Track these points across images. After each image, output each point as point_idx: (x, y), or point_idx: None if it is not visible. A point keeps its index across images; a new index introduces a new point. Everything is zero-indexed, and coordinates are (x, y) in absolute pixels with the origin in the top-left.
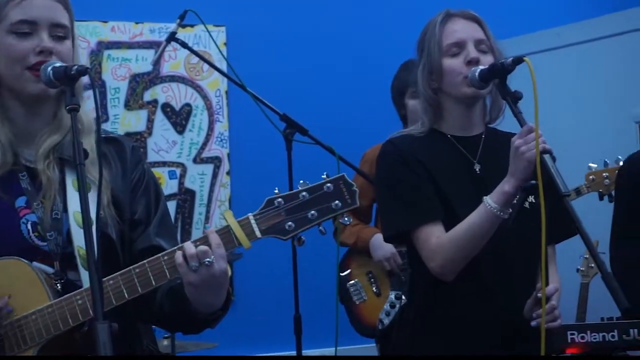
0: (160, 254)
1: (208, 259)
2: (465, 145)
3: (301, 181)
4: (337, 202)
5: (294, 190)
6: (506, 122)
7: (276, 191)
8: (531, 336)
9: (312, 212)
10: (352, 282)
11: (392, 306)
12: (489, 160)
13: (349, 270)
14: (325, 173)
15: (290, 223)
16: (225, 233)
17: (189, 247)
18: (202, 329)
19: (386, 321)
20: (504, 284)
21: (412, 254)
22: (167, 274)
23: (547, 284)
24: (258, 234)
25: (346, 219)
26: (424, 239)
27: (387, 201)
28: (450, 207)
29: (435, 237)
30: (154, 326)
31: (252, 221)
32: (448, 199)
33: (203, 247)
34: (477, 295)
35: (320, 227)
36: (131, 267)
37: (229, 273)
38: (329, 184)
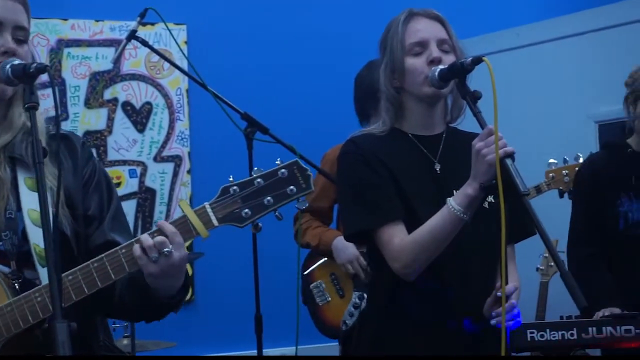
0: (117, 247)
1: (167, 249)
2: (426, 144)
3: (255, 168)
4: (292, 187)
5: (249, 178)
6: (467, 122)
7: (231, 179)
8: (489, 335)
9: (268, 198)
10: (315, 283)
11: (356, 307)
12: (449, 160)
13: (310, 270)
14: (278, 159)
15: (246, 210)
16: (183, 223)
17: (146, 238)
18: (166, 314)
19: (350, 322)
20: (462, 283)
21: (373, 254)
22: (126, 267)
23: (506, 279)
24: (215, 222)
25: (297, 205)
26: (386, 240)
27: (348, 200)
28: (410, 206)
29: (398, 238)
30: (116, 319)
31: (209, 210)
32: (409, 198)
33: (160, 238)
34: (436, 294)
35: (277, 213)
36: (89, 261)
37: (188, 270)
38: (283, 170)
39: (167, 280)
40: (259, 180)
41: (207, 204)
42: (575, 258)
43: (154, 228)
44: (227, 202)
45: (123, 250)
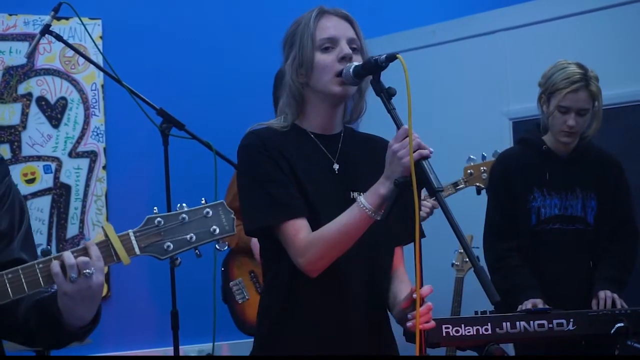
0: (34, 262)
1: (88, 270)
2: (325, 144)
3: (179, 204)
4: (214, 227)
5: (174, 212)
6: (381, 118)
7: (155, 210)
8: (384, 332)
9: (191, 234)
10: (235, 281)
11: None
12: (348, 160)
13: (230, 268)
14: (203, 199)
15: (169, 244)
16: (105, 247)
17: (69, 257)
18: (69, 343)
19: None
20: (360, 278)
21: (271, 248)
22: (42, 281)
23: (421, 284)
24: (137, 251)
25: (218, 247)
26: (292, 235)
27: (251, 194)
28: (310, 204)
29: (302, 234)
30: (14, 341)
31: (132, 238)
32: (308, 196)
33: (84, 258)
34: (334, 289)
35: (196, 251)
36: (3, 272)
37: (105, 289)
38: (208, 209)
39: (80, 305)
40: (183, 215)
41: (131, 232)
42: (493, 252)
43: (80, 246)
44: (151, 232)
45: (40, 265)
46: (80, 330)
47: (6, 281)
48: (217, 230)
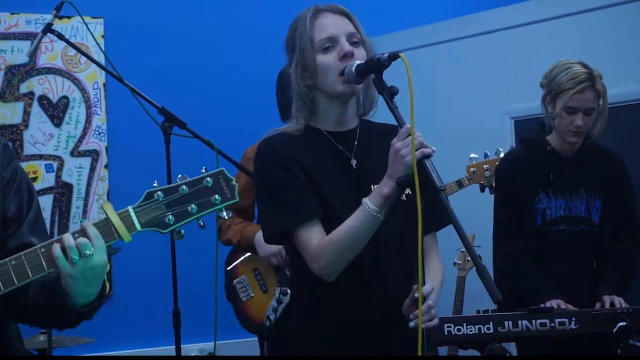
0: (37, 246)
1: (88, 251)
2: (341, 140)
3: (180, 175)
4: (216, 196)
5: (174, 184)
6: (384, 116)
7: (155, 184)
8: (411, 332)
9: (192, 205)
10: (239, 279)
11: (279, 302)
12: (365, 154)
13: (234, 265)
14: (203, 167)
15: (170, 216)
16: (105, 226)
17: (68, 238)
18: (79, 322)
19: (273, 317)
20: (382, 280)
21: (293, 254)
22: (45, 266)
23: (424, 280)
24: (138, 226)
25: (224, 213)
26: (305, 240)
27: (265, 202)
28: (328, 205)
29: (315, 239)
30: (28, 324)
31: (132, 214)
32: (326, 197)
33: (83, 239)
34: (357, 292)
35: (200, 221)
36: (7, 259)
37: (108, 267)
38: (208, 178)
39: (84, 285)
40: (183, 187)
41: (130, 208)
42: (503, 253)
43: (78, 227)
44: (151, 207)
45: (42, 250)
46: (87, 307)
47: (10, 268)
48: (219, 199)
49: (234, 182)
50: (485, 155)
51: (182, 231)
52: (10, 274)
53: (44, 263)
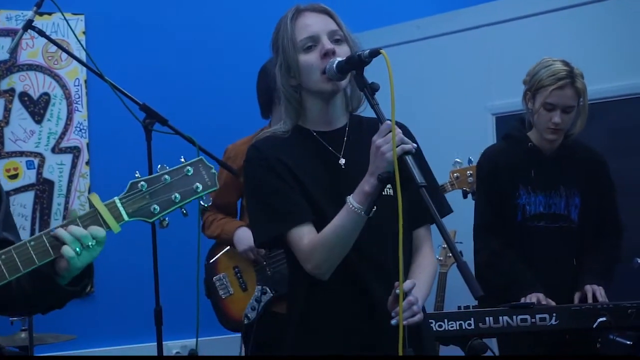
0: (26, 240)
1: (91, 242)
2: (329, 140)
3: (159, 165)
4: (197, 184)
5: (156, 174)
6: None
7: (137, 175)
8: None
9: (175, 194)
10: (219, 276)
11: (258, 301)
12: (354, 153)
13: (214, 262)
14: (182, 157)
15: (155, 206)
16: (93, 217)
17: (78, 229)
18: (68, 301)
19: (251, 316)
20: (376, 274)
21: (289, 256)
22: (35, 259)
23: (405, 276)
24: (125, 216)
25: (202, 202)
26: (296, 242)
27: (255, 207)
28: (317, 206)
29: (306, 239)
30: (12, 311)
31: (119, 204)
32: (314, 198)
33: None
34: (349, 289)
35: (183, 210)
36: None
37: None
38: (188, 167)
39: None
40: (165, 176)
41: (117, 199)
42: (486, 248)
43: (61, 222)
44: (137, 197)
45: (32, 243)
46: (76, 287)
47: (0, 263)
48: (200, 187)
49: (213, 170)
50: (469, 161)
51: (167, 220)
52: (1, 269)
53: (34, 256)
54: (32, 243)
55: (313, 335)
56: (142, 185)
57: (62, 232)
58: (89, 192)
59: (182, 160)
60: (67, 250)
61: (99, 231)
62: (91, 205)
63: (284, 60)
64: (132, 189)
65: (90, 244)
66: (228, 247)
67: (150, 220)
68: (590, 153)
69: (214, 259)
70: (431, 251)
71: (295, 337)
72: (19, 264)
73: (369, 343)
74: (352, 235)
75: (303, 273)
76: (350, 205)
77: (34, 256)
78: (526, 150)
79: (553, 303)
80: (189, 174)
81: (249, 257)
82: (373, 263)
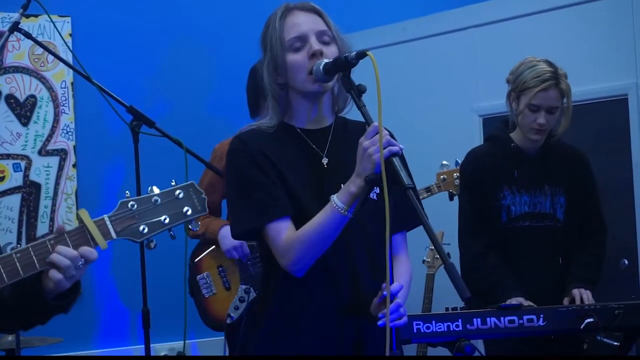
0: (12, 252)
1: (81, 262)
2: (314, 139)
3: (150, 187)
4: (187, 208)
5: (146, 195)
6: (354, 116)
7: (127, 194)
8: (379, 330)
9: (164, 217)
10: (202, 274)
11: (242, 300)
12: (337, 153)
13: (198, 261)
14: (173, 180)
15: (143, 226)
16: (81, 233)
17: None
18: (52, 317)
19: (235, 315)
20: (350, 275)
21: (263, 250)
22: (21, 272)
23: (392, 278)
24: (113, 234)
25: (191, 227)
26: (273, 236)
27: (235, 199)
28: (298, 202)
29: (284, 234)
30: None
31: (108, 222)
32: (296, 194)
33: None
34: (325, 288)
35: (171, 232)
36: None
37: None
38: (179, 191)
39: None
40: (156, 198)
41: (106, 217)
42: (470, 250)
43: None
44: (126, 216)
45: (18, 255)
46: (62, 302)
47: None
48: (190, 211)
49: (203, 195)
50: (456, 164)
51: (154, 241)
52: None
53: (19, 269)
54: (18, 255)
55: (283, 329)
56: (131, 205)
57: (58, 259)
58: (76, 195)
59: (173, 183)
60: (54, 274)
61: (92, 253)
62: (80, 221)
63: (271, 58)
64: (122, 208)
65: (80, 264)
66: (213, 246)
67: (138, 240)
68: (574, 153)
69: (198, 258)
70: (407, 258)
71: (266, 331)
72: (3, 274)
73: (338, 342)
74: (333, 234)
75: (277, 267)
76: (334, 205)
77: (20, 268)
78: (509, 150)
79: (535, 306)
80: (180, 197)
81: (233, 256)
82: (348, 265)
